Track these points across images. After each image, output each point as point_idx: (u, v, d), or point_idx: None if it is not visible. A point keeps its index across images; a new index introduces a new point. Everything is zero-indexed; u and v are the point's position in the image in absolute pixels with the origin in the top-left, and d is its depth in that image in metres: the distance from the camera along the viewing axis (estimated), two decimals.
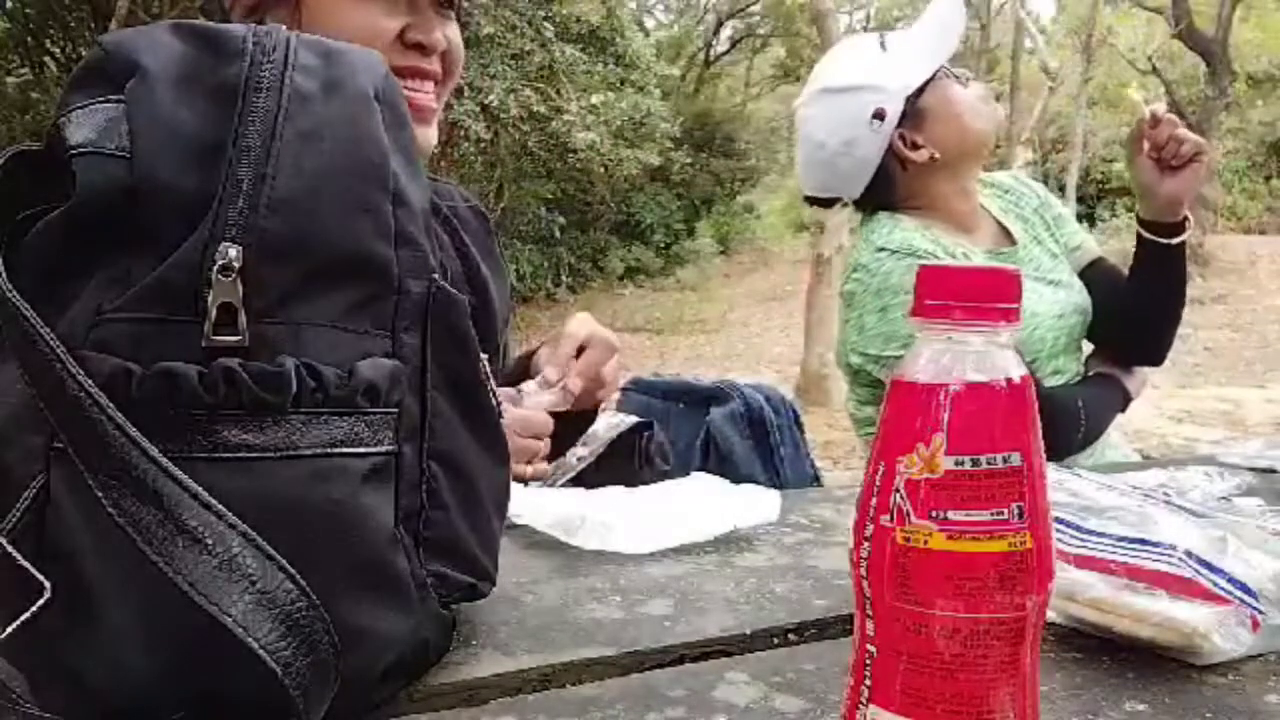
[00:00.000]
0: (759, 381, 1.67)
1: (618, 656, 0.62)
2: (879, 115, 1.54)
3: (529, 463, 1.03)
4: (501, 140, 11.53)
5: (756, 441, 1.53)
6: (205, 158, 0.50)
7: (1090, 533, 0.67)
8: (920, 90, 1.54)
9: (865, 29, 20.32)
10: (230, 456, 0.48)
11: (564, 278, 14.63)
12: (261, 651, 0.45)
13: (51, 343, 0.46)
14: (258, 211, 0.49)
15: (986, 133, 1.58)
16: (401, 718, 0.54)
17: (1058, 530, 0.66)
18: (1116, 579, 0.63)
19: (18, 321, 0.46)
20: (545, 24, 11.10)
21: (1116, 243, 9.87)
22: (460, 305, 0.57)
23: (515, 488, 0.67)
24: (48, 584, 0.46)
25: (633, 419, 1.19)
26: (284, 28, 0.55)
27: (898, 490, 0.41)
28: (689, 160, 15.84)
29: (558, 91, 11.38)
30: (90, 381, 0.45)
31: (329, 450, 0.50)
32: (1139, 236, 1.55)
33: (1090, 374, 1.61)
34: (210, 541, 0.45)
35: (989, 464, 0.40)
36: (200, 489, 0.46)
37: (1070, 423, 1.48)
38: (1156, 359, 1.62)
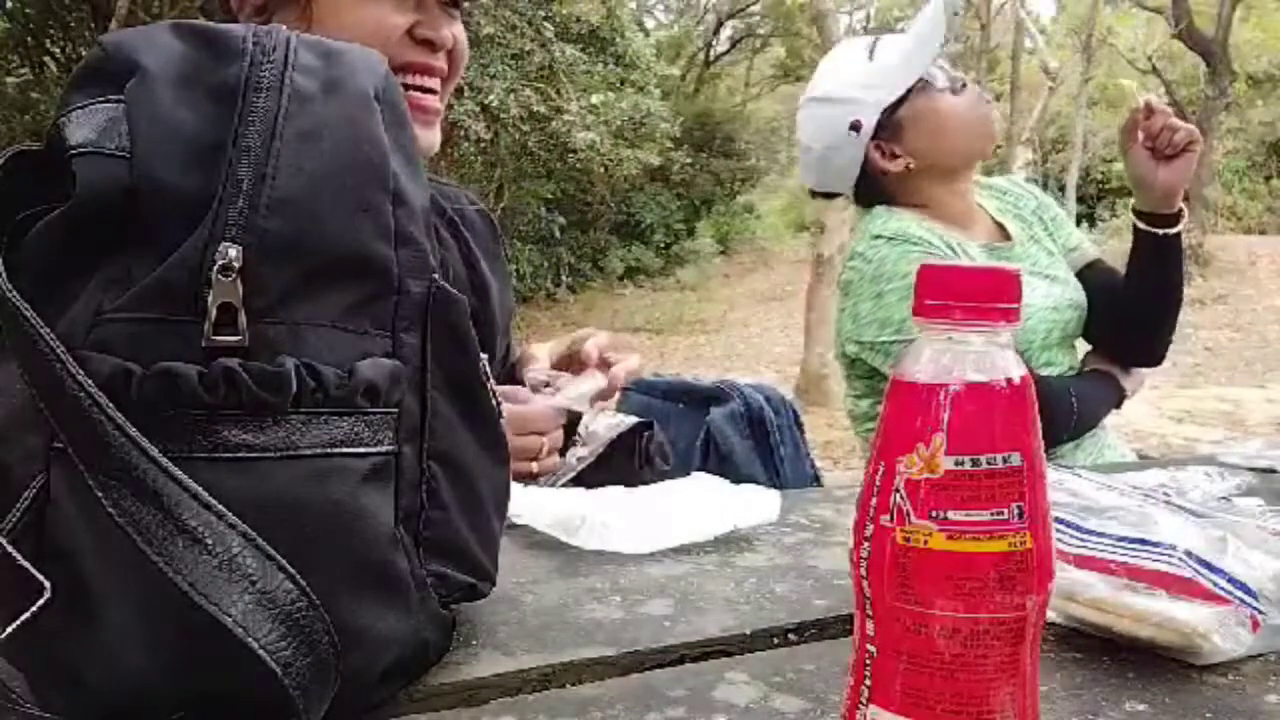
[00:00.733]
0: (759, 381, 1.67)
1: (618, 656, 0.62)
2: (855, 127, 1.57)
3: (534, 459, 1.03)
4: (501, 140, 11.53)
5: (756, 441, 1.53)
6: (205, 158, 0.50)
7: (1090, 533, 0.67)
8: (899, 102, 1.56)
9: (865, 29, 20.34)
10: (230, 456, 0.48)
11: (564, 278, 14.63)
12: (261, 651, 0.45)
13: (51, 343, 0.46)
14: (258, 211, 0.49)
15: (966, 145, 1.59)
16: (401, 718, 0.54)
17: (1058, 530, 0.66)
18: (1116, 579, 0.63)
19: (18, 321, 0.46)
20: (545, 24, 11.11)
21: (1117, 243, 9.87)
22: (460, 305, 0.57)
23: (515, 487, 0.67)
24: (48, 584, 0.46)
25: (633, 419, 1.19)
26: (284, 28, 0.55)
27: (898, 490, 0.41)
28: (689, 160, 15.82)
29: (558, 91, 11.38)
30: (90, 381, 0.46)
31: (329, 450, 0.50)
32: (1135, 229, 1.55)
33: (1086, 370, 1.61)
34: (210, 541, 0.45)
35: (989, 464, 0.40)
36: (200, 489, 0.46)
37: (1061, 410, 1.49)
38: (1155, 358, 1.62)
